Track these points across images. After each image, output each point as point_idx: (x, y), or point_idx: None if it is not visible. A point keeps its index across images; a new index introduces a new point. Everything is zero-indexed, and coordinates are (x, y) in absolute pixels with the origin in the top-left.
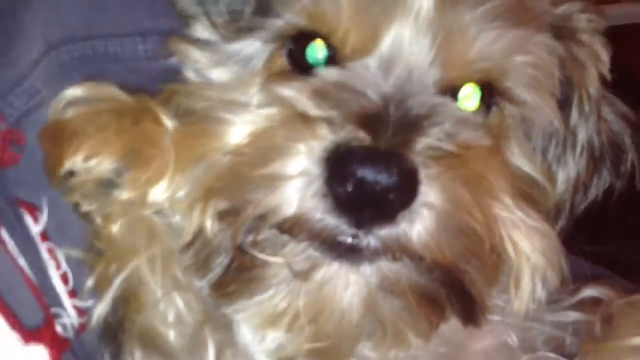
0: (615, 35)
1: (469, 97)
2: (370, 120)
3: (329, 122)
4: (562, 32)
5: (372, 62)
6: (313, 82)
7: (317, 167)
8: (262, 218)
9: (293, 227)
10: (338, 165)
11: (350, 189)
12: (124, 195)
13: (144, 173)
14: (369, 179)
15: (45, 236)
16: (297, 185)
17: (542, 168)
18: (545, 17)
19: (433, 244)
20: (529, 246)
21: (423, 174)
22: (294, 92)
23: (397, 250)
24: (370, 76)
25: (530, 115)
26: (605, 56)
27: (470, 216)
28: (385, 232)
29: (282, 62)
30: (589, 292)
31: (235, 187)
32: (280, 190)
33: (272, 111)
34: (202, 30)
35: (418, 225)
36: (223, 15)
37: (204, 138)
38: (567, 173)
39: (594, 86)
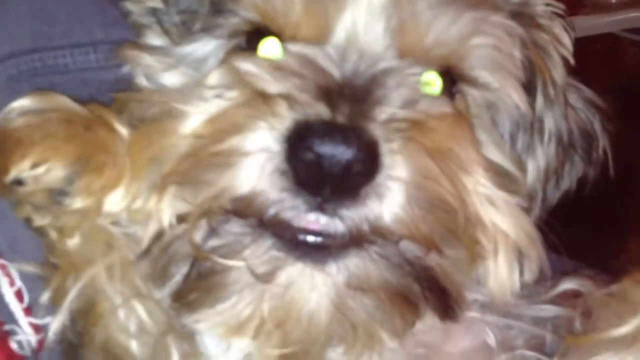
0: (576, 48)
1: (430, 84)
2: (329, 95)
3: (288, 98)
4: (521, 18)
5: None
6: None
7: (275, 142)
8: (217, 198)
9: (248, 208)
10: (296, 141)
11: (308, 164)
12: (77, 203)
13: (97, 179)
14: (327, 153)
15: None
16: (254, 161)
17: (511, 156)
18: (502, 4)
19: (406, 219)
20: (505, 220)
21: (385, 146)
22: (254, 67)
23: (369, 232)
24: (329, 53)
25: (495, 99)
26: (566, 39)
27: (440, 187)
28: (352, 212)
29: None
30: (567, 284)
31: (192, 169)
32: (236, 167)
33: (232, 93)
34: (154, 37)
35: (387, 201)
36: (176, 23)
37: (158, 135)
38: (536, 161)
39: (557, 70)
